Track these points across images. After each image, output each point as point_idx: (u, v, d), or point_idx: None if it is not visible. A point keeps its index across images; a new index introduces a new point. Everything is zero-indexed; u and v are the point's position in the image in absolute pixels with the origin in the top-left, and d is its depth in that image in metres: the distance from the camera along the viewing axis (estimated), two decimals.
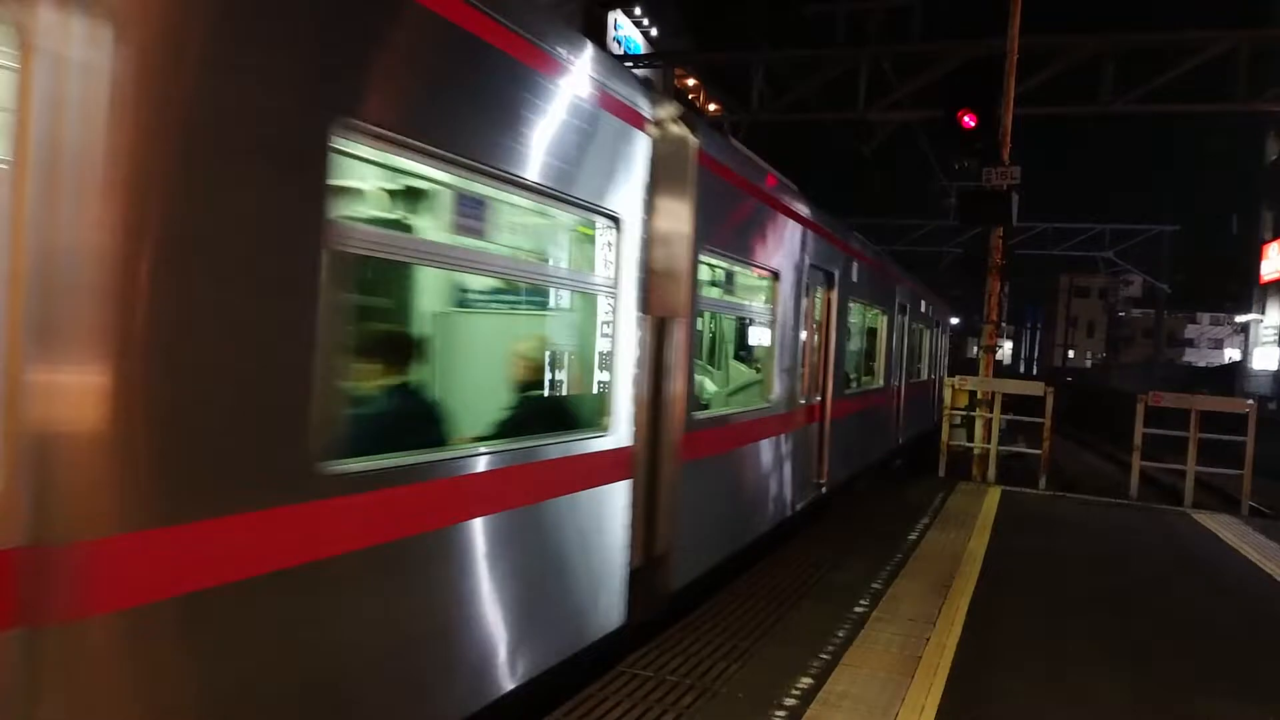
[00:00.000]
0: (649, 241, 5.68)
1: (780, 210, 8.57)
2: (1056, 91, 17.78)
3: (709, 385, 9.26)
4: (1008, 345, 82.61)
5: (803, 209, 9.27)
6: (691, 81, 34.42)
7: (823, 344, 10.41)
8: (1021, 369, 77.72)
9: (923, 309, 19.26)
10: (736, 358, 10.14)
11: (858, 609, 6.74)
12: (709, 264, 7.40)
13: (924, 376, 20.39)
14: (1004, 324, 16.29)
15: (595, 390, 5.55)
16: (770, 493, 8.76)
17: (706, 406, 8.30)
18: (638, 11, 36.09)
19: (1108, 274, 59.40)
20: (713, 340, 9.99)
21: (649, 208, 5.68)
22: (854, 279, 11.66)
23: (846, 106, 19.43)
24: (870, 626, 6.37)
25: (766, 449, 8.52)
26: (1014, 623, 6.82)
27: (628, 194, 5.41)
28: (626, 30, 34.67)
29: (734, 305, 8.93)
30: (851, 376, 12.63)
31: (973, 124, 13.59)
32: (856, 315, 12.86)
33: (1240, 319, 44.76)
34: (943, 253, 47.94)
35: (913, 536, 9.41)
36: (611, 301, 5.40)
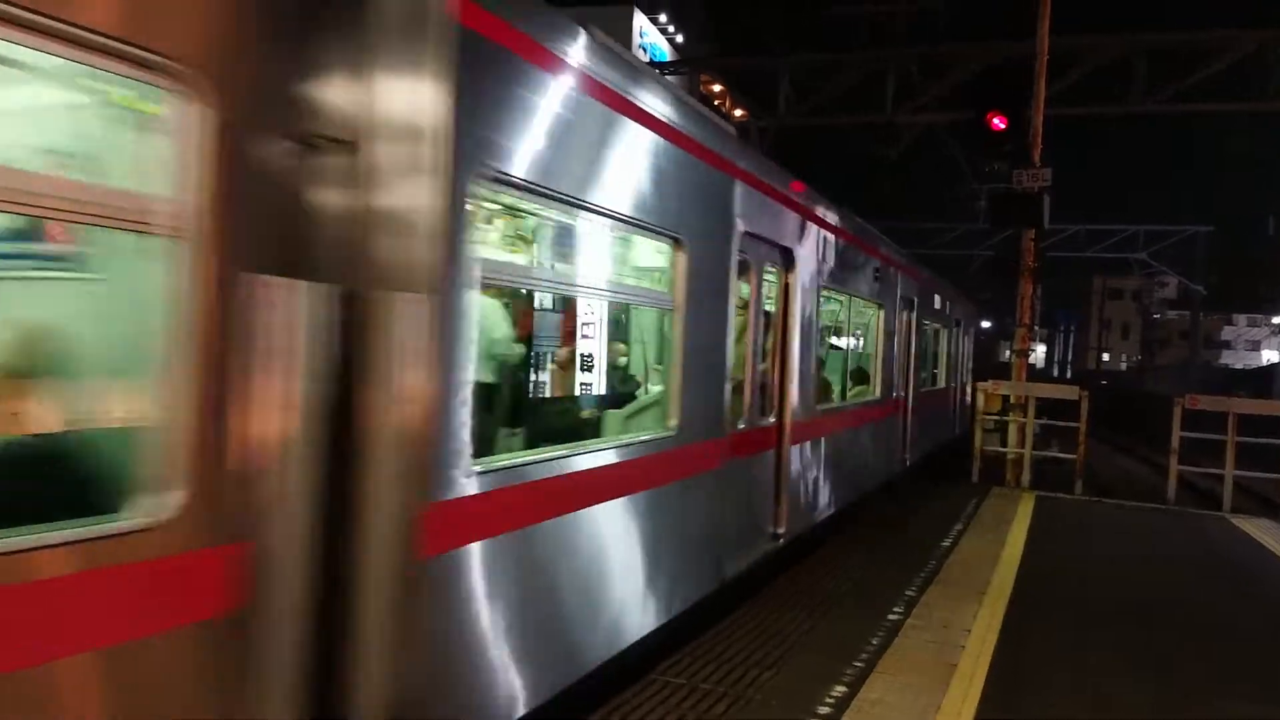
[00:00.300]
0: (352, 155, 3.13)
1: (681, 144, 5.74)
2: (1083, 93, 17.64)
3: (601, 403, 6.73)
4: (1041, 349, 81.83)
5: (728, 151, 6.61)
6: (717, 87, 34.43)
7: (778, 345, 7.81)
8: (1055, 372, 76.85)
9: (937, 305, 16.57)
10: (618, 365, 7.25)
11: (891, 616, 6.69)
12: (519, 208, 4.82)
13: (941, 384, 17.91)
14: (1037, 327, 15.96)
15: (118, 435, 2.79)
16: (673, 564, 5.86)
17: (535, 442, 5.28)
18: (663, 18, 36.23)
19: (1142, 276, 58.71)
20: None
21: (293, 66, 2.95)
22: (829, 260, 9.06)
23: (872, 110, 19.39)
24: (904, 634, 6.32)
25: (662, 501, 5.61)
26: (1051, 630, 6.73)
27: (197, 26, 2.64)
28: (652, 37, 34.81)
29: (589, 285, 6.00)
30: (832, 387, 10.31)
31: (1003, 126, 13.50)
32: (838, 309, 10.67)
33: (1278, 320, 44.05)
34: (972, 256, 47.60)
35: (946, 543, 9.33)
36: (182, 249, 2.63)
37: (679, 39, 37.60)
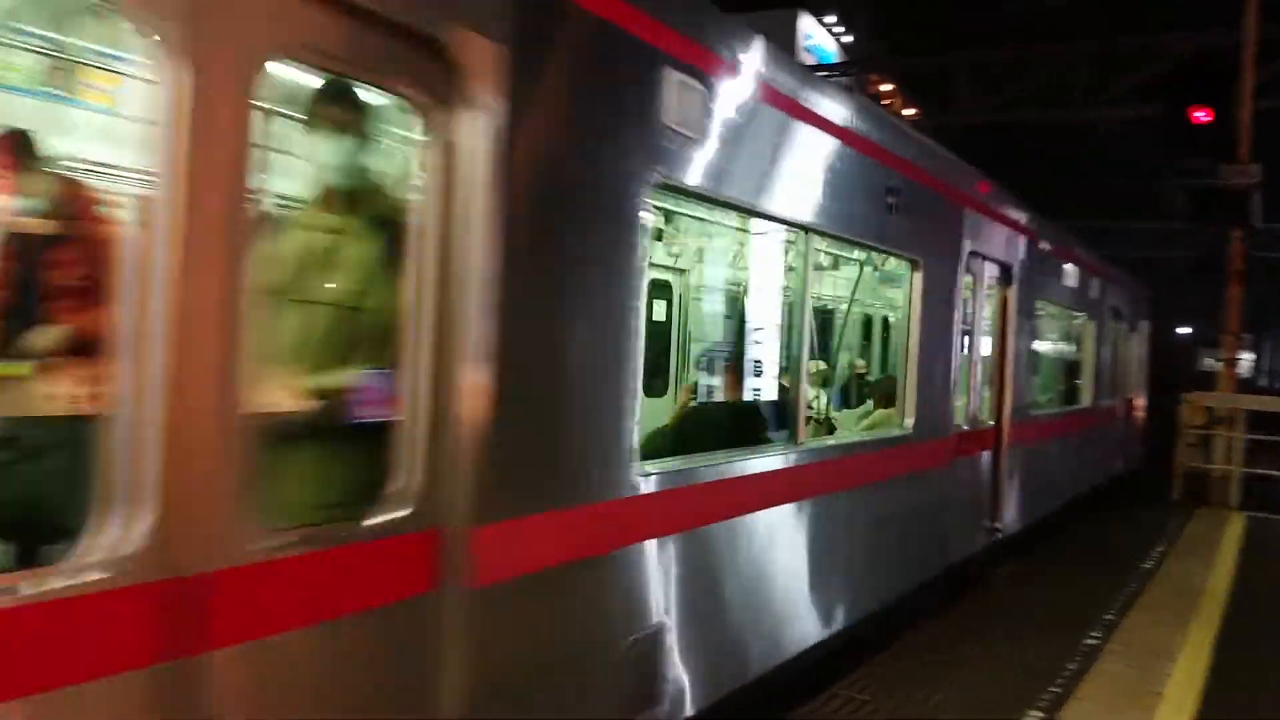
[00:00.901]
0: None
1: None
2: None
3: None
4: (1248, 357, 75.56)
5: None
6: (886, 87, 33.64)
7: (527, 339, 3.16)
8: (1264, 382, 70.73)
9: (1070, 281, 10.98)
10: None
11: (1089, 640, 6.37)
12: None
13: (1084, 402, 12.30)
14: (1244, 334, 14.78)
15: None
16: None
17: None
18: (830, 19, 35.68)
19: None
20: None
21: None
22: (722, 142, 4.13)
23: (1059, 105, 18.46)
24: (1104, 659, 6.00)
25: None
26: (1269, 660, 6.25)
27: None
28: (818, 39, 34.32)
29: None
30: (759, 425, 5.68)
31: (1206, 120, 12.58)
32: (776, 260, 6.43)
33: None
34: (1168, 257, 44.55)
35: (1147, 565, 8.78)
36: None
37: (846, 39, 36.88)
